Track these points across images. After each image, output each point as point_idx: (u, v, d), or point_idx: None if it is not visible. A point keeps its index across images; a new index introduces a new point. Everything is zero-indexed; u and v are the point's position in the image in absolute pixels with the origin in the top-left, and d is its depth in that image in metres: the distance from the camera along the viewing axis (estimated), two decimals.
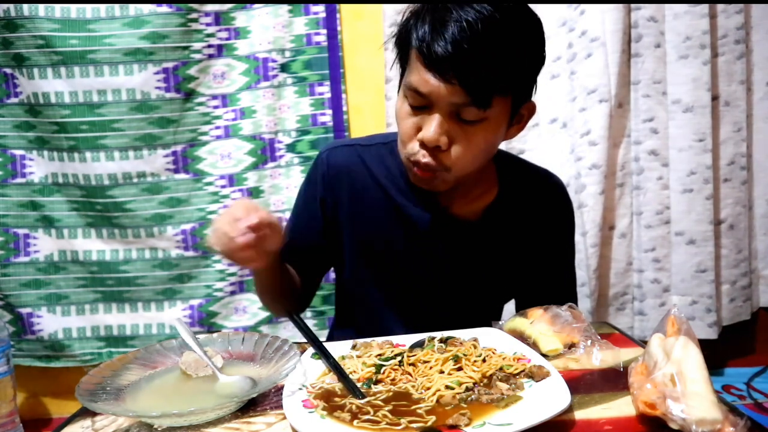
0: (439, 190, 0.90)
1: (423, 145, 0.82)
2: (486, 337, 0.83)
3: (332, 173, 1.00)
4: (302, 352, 0.79)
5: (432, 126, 0.80)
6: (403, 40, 0.84)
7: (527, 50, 0.81)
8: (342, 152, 1.01)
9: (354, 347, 0.83)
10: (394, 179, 0.97)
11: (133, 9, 1.60)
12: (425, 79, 0.78)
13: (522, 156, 1.73)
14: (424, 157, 0.83)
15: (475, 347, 0.78)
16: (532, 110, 0.91)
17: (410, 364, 0.74)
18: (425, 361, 0.74)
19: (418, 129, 0.83)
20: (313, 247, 1.05)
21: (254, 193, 1.72)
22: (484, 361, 0.73)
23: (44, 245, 1.73)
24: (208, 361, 0.77)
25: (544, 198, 1.03)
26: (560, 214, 1.04)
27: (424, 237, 0.98)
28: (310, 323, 1.77)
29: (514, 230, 1.00)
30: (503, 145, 1.68)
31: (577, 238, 1.73)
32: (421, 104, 0.82)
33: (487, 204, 0.98)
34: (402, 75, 0.86)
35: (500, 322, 0.90)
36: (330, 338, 1.19)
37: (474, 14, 0.75)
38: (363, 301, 1.05)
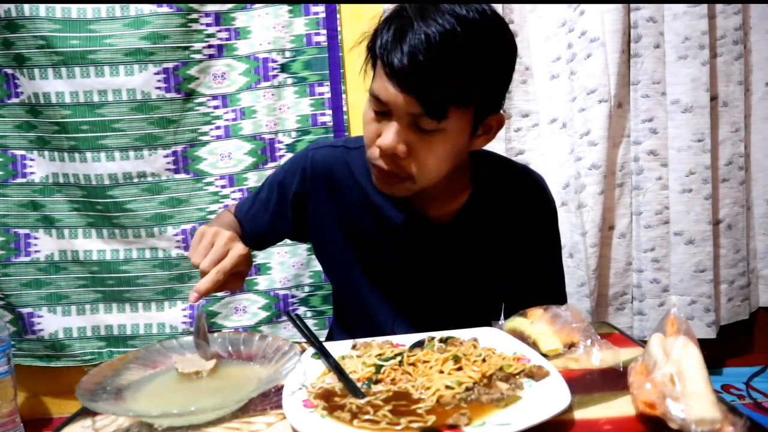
0: (401, 195, 0.91)
1: (382, 151, 0.83)
2: (486, 337, 0.83)
3: (314, 172, 1.02)
4: (302, 352, 0.80)
5: (389, 133, 0.81)
6: (372, 46, 0.84)
7: (489, 66, 0.80)
8: (326, 152, 1.03)
9: (354, 347, 0.83)
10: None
11: (133, 9, 1.60)
12: (385, 87, 0.79)
13: (522, 156, 1.76)
14: (384, 165, 0.85)
15: (475, 347, 0.78)
16: (501, 122, 0.90)
17: (410, 364, 0.74)
18: (425, 361, 0.74)
19: (379, 134, 0.83)
20: (266, 230, 1.09)
21: None
22: (484, 361, 0.73)
23: (45, 245, 1.73)
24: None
25: (521, 196, 1.02)
26: (539, 211, 1.03)
27: (400, 237, 0.99)
28: (310, 323, 1.77)
29: (491, 230, 1.00)
30: (500, 145, 1.70)
31: (577, 238, 1.74)
32: (381, 110, 0.83)
33: (460, 205, 0.99)
34: (373, 79, 0.87)
35: (500, 322, 0.90)
36: (330, 338, 1.20)
37: (435, 27, 0.74)
38: (355, 295, 1.07)
